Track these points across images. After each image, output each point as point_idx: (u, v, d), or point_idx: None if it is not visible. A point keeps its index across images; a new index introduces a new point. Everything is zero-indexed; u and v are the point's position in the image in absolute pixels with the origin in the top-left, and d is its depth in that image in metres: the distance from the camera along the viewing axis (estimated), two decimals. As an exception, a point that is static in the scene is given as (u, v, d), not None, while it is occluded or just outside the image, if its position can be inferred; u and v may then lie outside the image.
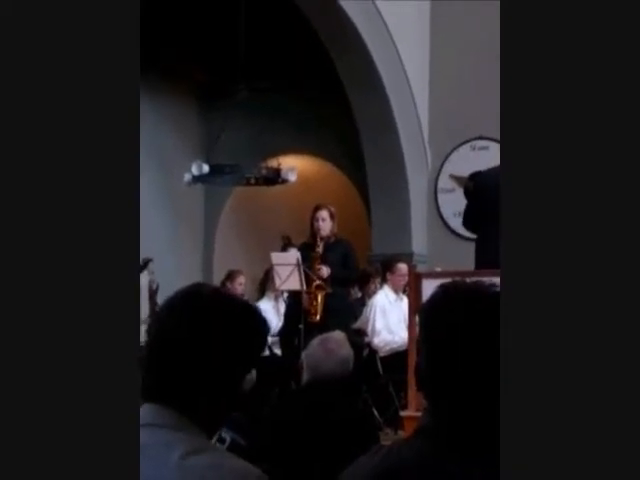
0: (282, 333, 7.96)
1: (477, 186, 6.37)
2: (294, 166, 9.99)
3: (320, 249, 7.26)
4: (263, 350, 1.88)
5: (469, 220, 6.37)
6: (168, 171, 11.35)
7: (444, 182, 9.75)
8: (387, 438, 5.84)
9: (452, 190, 9.54)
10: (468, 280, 1.73)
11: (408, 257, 9.01)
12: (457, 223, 9.48)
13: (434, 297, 1.71)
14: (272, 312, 8.55)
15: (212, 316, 1.68)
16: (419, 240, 9.68)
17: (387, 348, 7.72)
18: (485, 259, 5.80)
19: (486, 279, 1.71)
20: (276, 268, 7.31)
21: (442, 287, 1.72)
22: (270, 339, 7.94)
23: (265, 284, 8.96)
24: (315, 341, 4.04)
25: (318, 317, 7.15)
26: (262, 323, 1.76)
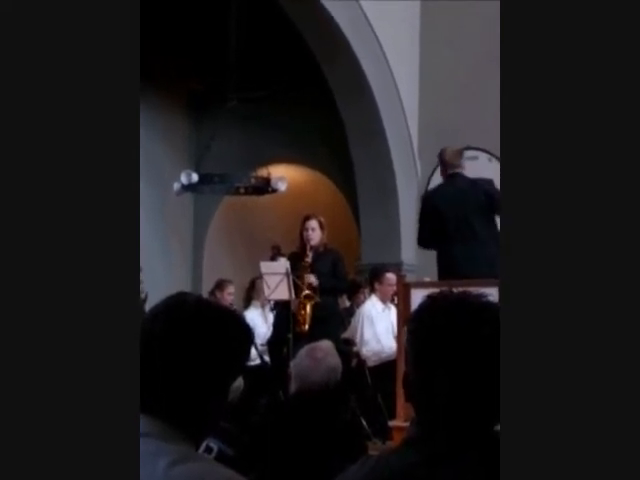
0: (271, 342, 7.96)
1: (426, 206, 6.51)
2: (284, 176, 10.00)
3: (309, 259, 7.27)
4: (248, 357, 1.88)
5: (425, 239, 6.53)
6: (157, 180, 11.34)
7: (434, 192, 9.76)
8: (375, 448, 5.83)
9: (441, 200, 9.55)
10: (455, 290, 1.74)
11: (397, 267, 9.01)
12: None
13: (422, 307, 1.72)
14: (259, 320, 8.55)
15: (196, 325, 1.68)
16: (408, 250, 9.68)
17: (375, 358, 7.71)
18: (449, 272, 5.96)
19: (473, 289, 1.72)
20: (265, 277, 7.31)
21: (430, 297, 1.72)
22: (260, 348, 7.94)
23: (251, 293, 8.96)
24: (303, 351, 4.04)
25: (307, 326, 7.16)
26: (246, 330, 1.77)
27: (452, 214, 6.25)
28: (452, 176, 6.49)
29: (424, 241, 6.62)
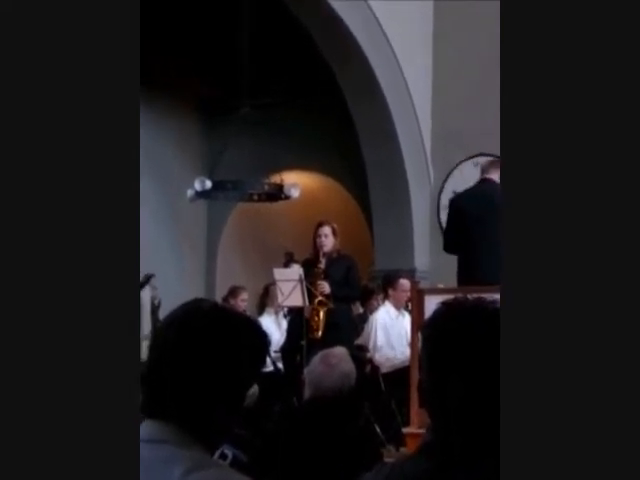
0: (284, 349, 7.96)
1: (452, 208, 6.48)
2: (297, 182, 10.00)
3: (323, 265, 7.27)
4: (264, 364, 1.89)
5: (450, 244, 6.49)
6: (171, 187, 11.38)
7: (447, 198, 9.73)
8: (389, 455, 5.82)
9: (455, 206, 9.53)
10: (470, 297, 1.74)
11: (410, 273, 9.00)
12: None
13: (436, 314, 1.72)
14: (273, 327, 8.56)
15: (212, 331, 1.68)
16: (421, 256, 9.67)
17: (389, 364, 7.70)
18: (469, 278, 5.88)
19: (487, 296, 1.72)
20: (279, 284, 7.32)
21: (444, 304, 1.72)
22: (273, 355, 7.94)
23: (265, 300, 8.97)
24: (317, 357, 4.03)
25: (320, 333, 7.15)
26: (262, 337, 1.77)
27: (474, 215, 6.17)
28: (482, 181, 6.45)
29: (450, 246, 6.57)
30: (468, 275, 6.03)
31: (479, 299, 1.71)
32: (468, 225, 6.19)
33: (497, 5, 8.75)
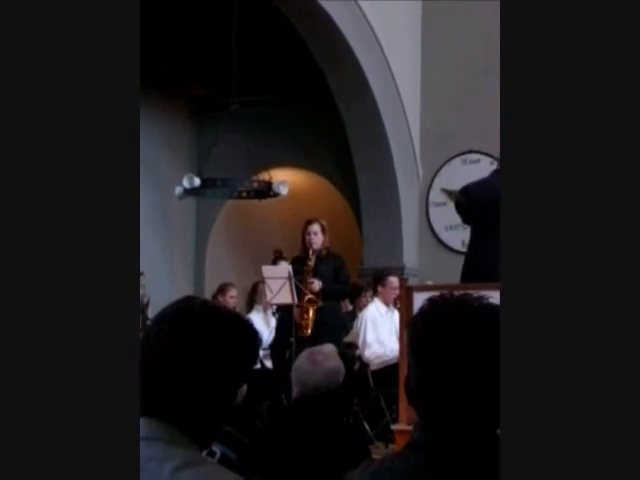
0: (273, 346, 7.97)
1: (465, 194, 6.41)
2: (285, 179, 9.99)
3: (312, 263, 7.28)
4: (255, 362, 1.89)
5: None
6: (159, 184, 11.35)
7: (435, 195, 9.77)
8: (378, 452, 5.84)
9: (443, 204, 9.55)
10: (455, 293, 1.74)
11: (399, 270, 9.02)
12: (448, 236, 9.52)
13: (422, 311, 1.72)
14: (262, 324, 8.56)
15: (203, 329, 1.68)
16: (410, 253, 9.69)
17: (378, 361, 7.72)
18: (476, 273, 5.80)
19: (473, 292, 1.72)
20: (267, 281, 7.32)
21: (430, 300, 1.73)
22: (261, 352, 7.94)
23: (253, 297, 8.97)
24: (303, 354, 4.04)
25: (309, 331, 7.16)
26: (253, 335, 1.77)
27: (481, 203, 6.08)
28: (496, 171, 6.37)
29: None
30: (471, 270, 5.94)
31: (464, 295, 1.71)
32: (474, 212, 6.10)
33: (486, 5, 8.77)
